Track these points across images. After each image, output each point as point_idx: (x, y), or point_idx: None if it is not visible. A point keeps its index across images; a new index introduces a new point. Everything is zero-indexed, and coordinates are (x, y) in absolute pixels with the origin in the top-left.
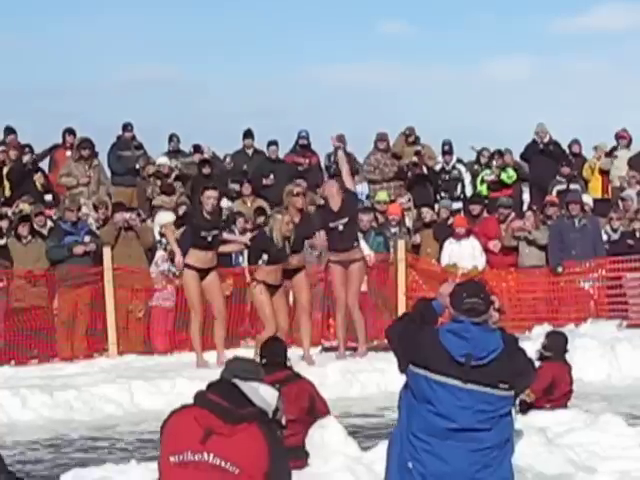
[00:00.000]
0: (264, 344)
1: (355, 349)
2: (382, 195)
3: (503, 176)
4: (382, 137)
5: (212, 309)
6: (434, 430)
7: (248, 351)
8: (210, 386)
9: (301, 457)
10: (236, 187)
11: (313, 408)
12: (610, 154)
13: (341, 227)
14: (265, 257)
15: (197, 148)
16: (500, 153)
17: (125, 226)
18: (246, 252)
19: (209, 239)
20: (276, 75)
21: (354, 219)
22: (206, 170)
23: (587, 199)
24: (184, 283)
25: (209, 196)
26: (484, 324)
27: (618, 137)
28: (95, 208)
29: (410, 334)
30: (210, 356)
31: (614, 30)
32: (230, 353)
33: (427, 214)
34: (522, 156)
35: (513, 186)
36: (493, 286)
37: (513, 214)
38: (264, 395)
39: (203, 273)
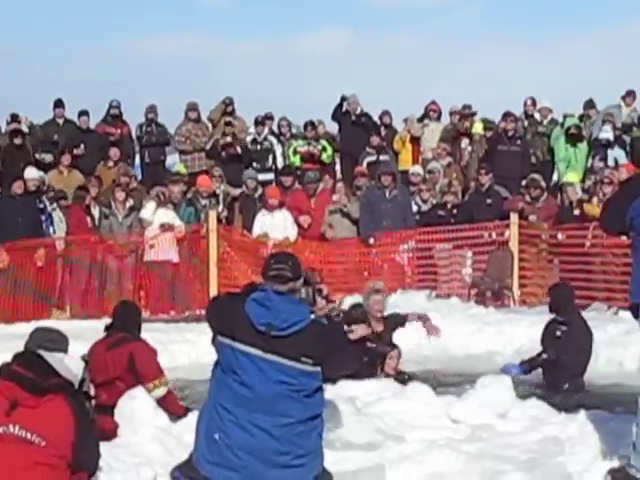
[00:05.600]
0: (115, 306)
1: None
2: (181, 168)
3: (323, 156)
4: (192, 107)
5: None
6: (240, 400)
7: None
8: (15, 357)
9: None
10: (48, 157)
11: (133, 369)
12: (420, 121)
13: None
14: None
15: (14, 117)
16: (313, 124)
17: None
18: None
19: None
20: (91, 45)
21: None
22: (18, 141)
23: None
24: None
25: None
26: (290, 294)
27: (428, 110)
28: None
29: (221, 304)
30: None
31: (427, 5)
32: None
33: (234, 191)
34: (333, 117)
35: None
36: (305, 256)
37: (321, 185)
38: (69, 366)
39: None
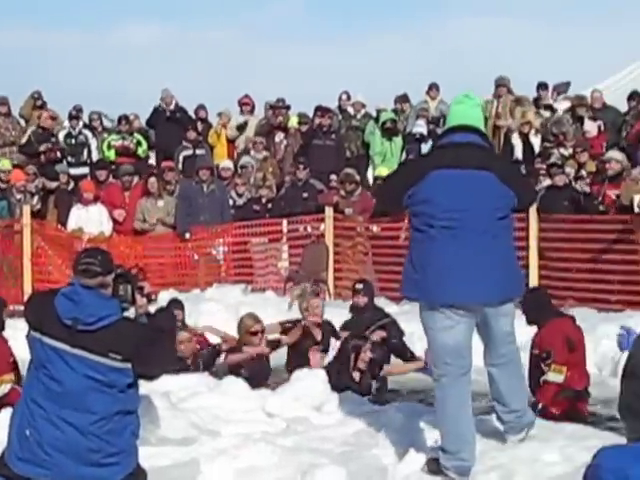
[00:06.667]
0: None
1: None
2: (6, 163)
3: (139, 151)
4: (1, 101)
5: None
6: (50, 395)
7: None
8: None
9: None
10: None
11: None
12: (240, 129)
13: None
14: None
15: None
16: (127, 118)
17: None
18: None
19: None
20: None
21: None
22: None
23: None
24: None
25: None
26: (99, 289)
27: (241, 104)
28: None
29: (36, 298)
30: None
31: None
32: None
33: (50, 184)
34: (148, 123)
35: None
36: (120, 251)
37: (136, 179)
38: None
39: None
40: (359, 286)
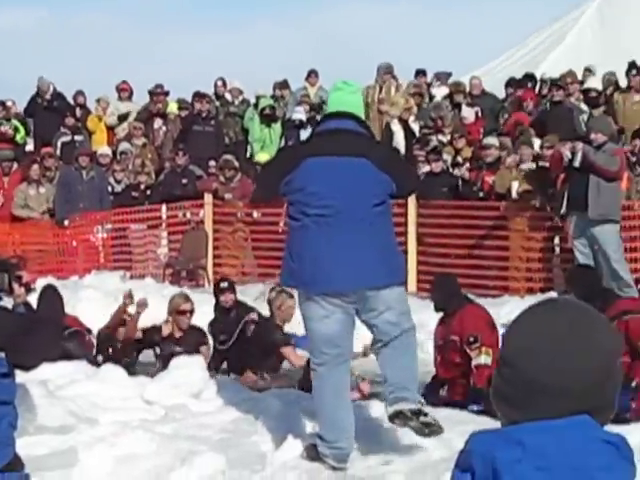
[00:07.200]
0: None
1: None
2: None
3: (17, 137)
4: None
5: None
6: None
7: None
8: None
9: None
10: None
11: None
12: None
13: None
14: None
15: None
16: (4, 104)
17: None
18: None
19: None
20: None
21: None
22: None
23: None
24: None
25: None
26: None
27: (119, 90)
28: None
29: None
30: None
31: None
32: None
33: None
34: (25, 112)
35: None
36: None
37: (15, 165)
38: None
39: None
40: (224, 285)
